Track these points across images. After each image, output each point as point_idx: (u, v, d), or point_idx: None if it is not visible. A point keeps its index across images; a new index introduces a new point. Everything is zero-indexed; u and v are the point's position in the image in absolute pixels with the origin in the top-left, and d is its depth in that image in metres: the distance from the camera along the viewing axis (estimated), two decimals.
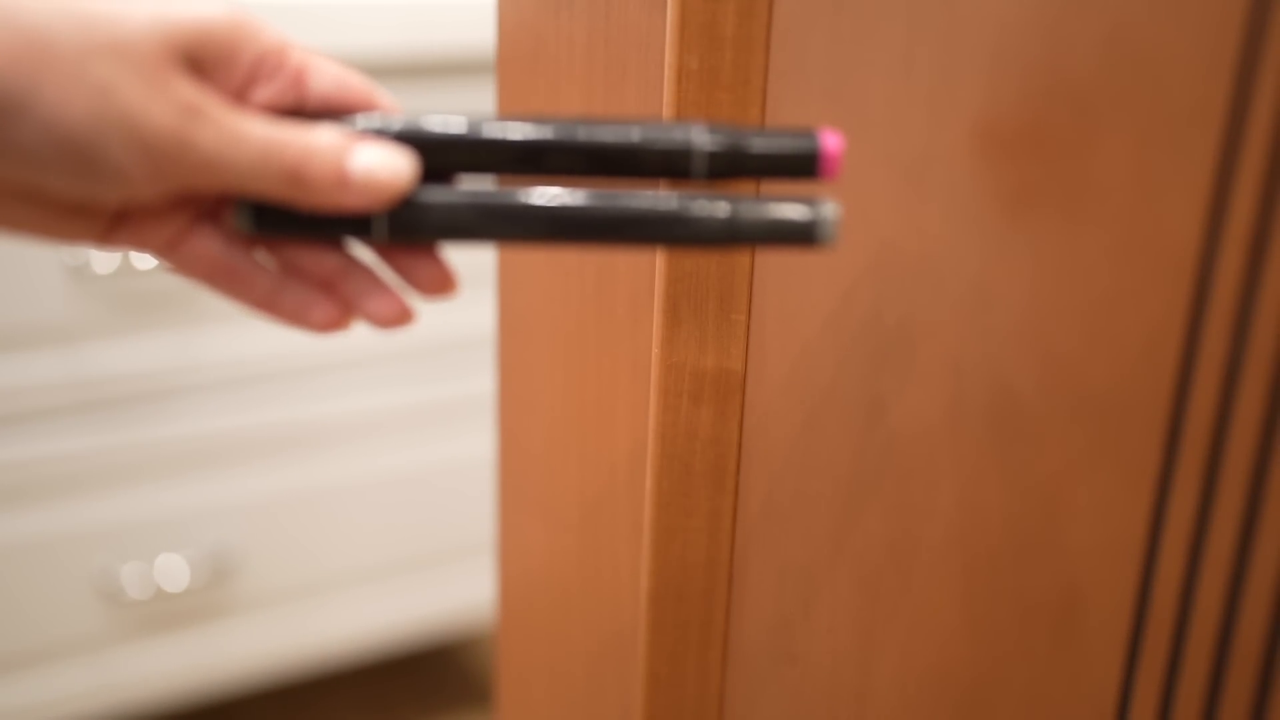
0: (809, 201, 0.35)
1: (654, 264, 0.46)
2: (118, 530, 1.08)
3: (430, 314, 1.17)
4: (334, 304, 0.39)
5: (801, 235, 0.35)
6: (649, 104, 0.45)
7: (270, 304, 0.39)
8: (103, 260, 1.01)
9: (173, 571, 1.10)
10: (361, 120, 0.37)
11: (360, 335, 1.21)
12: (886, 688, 0.43)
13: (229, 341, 1.09)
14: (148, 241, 0.38)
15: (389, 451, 1.19)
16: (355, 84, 0.38)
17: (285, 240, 0.38)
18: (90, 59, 0.33)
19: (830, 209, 0.35)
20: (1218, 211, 0.31)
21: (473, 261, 1.21)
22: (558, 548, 0.58)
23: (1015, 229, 0.36)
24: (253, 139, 0.35)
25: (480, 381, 1.19)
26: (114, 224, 0.37)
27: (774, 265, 0.44)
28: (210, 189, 0.36)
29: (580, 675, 0.57)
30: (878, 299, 0.40)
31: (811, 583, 0.45)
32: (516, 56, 0.54)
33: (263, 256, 0.39)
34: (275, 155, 0.35)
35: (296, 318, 0.39)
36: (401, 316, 0.39)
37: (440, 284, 0.39)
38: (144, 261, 1.01)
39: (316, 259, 0.39)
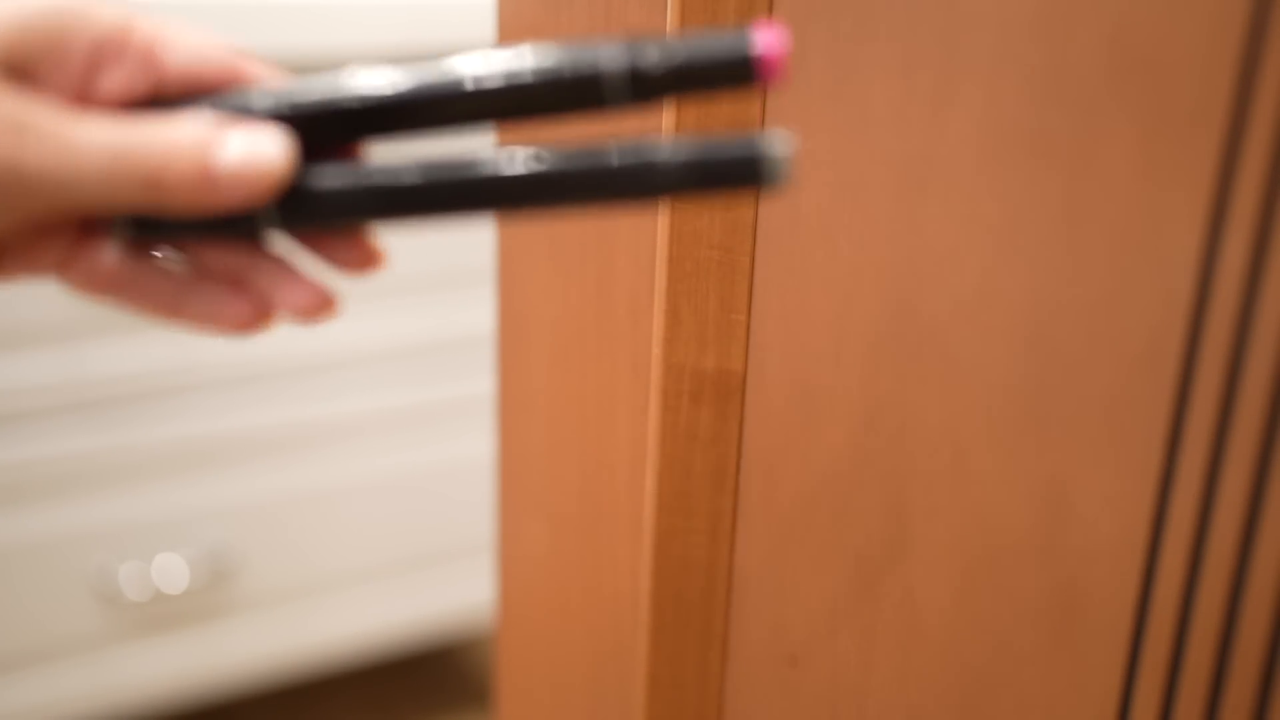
0: (755, 136, 0.31)
1: (654, 264, 0.46)
2: (117, 530, 1.08)
3: (430, 314, 1.17)
4: (247, 302, 0.35)
5: (744, 176, 0.31)
6: None
7: (177, 310, 0.35)
8: None
9: (172, 572, 1.10)
10: (231, 100, 0.33)
11: (360, 335, 1.21)
12: (886, 688, 0.43)
13: (228, 341, 1.09)
14: (38, 266, 0.34)
15: (389, 451, 1.19)
16: (217, 55, 0.33)
17: (172, 243, 0.35)
18: None
19: (779, 143, 0.31)
20: (1220, 211, 0.31)
21: (472, 261, 1.21)
22: (558, 548, 0.58)
23: (1016, 228, 0.36)
24: (95, 147, 0.30)
25: (480, 381, 1.19)
26: None
27: (775, 265, 0.44)
28: (60, 211, 0.31)
29: (580, 675, 0.57)
30: (878, 299, 0.40)
31: (811, 583, 0.45)
32: None
33: (166, 257, 0.35)
34: (124, 162, 0.30)
35: (207, 321, 0.35)
36: (322, 306, 0.35)
37: (364, 260, 0.35)
38: None
39: (221, 255, 0.35)
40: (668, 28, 0.42)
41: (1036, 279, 0.35)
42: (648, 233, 0.45)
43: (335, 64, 1.04)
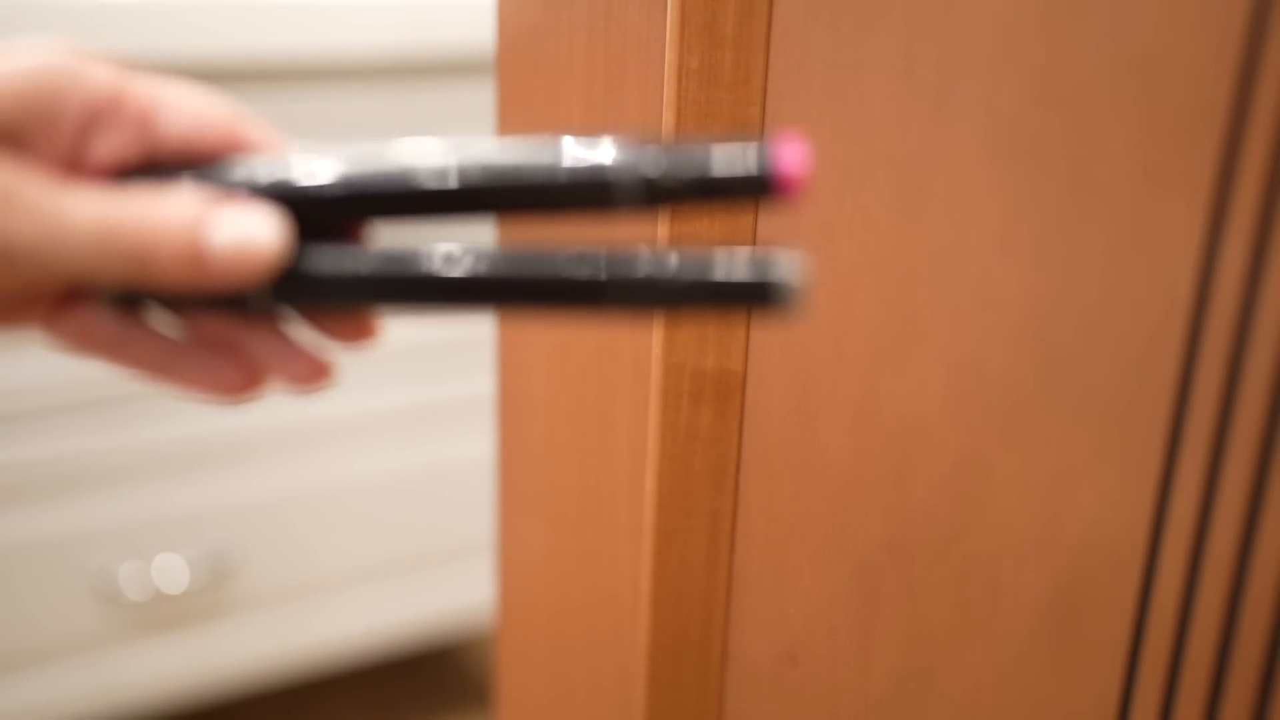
0: (765, 257, 0.30)
1: None
2: (117, 530, 1.08)
3: None
4: (239, 368, 0.34)
5: (750, 300, 0.30)
6: (649, 104, 0.45)
7: (166, 373, 0.34)
8: None
9: (172, 572, 1.10)
10: (228, 172, 0.32)
11: None
12: (886, 688, 0.43)
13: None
14: (21, 323, 0.33)
15: (389, 451, 1.19)
16: (217, 120, 0.32)
17: (161, 310, 0.34)
18: None
19: (789, 268, 0.30)
20: (1219, 211, 0.31)
21: None
22: (558, 548, 0.58)
23: (1016, 228, 0.36)
24: (82, 221, 0.29)
25: (480, 381, 1.19)
26: None
27: None
28: (45, 281, 0.31)
29: (580, 676, 0.57)
30: (878, 299, 0.40)
31: (811, 583, 0.45)
32: (516, 56, 0.54)
33: (156, 321, 0.34)
34: (112, 238, 0.29)
35: (197, 386, 0.34)
36: (318, 375, 0.34)
37: (358, 334, 0.34)
38: None
39: (213, 321, 0.34)
40: (667, 28, 0.42)
41: (1036, 279, 0.35)
42: (648, 233, 0.46)
43: (334, 65, 1.04)
